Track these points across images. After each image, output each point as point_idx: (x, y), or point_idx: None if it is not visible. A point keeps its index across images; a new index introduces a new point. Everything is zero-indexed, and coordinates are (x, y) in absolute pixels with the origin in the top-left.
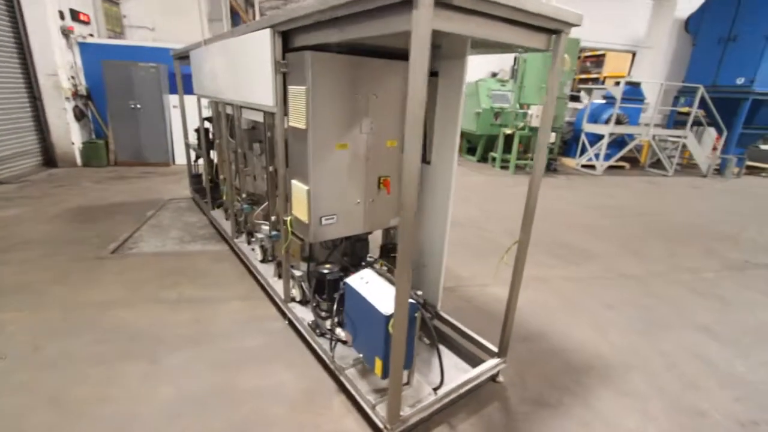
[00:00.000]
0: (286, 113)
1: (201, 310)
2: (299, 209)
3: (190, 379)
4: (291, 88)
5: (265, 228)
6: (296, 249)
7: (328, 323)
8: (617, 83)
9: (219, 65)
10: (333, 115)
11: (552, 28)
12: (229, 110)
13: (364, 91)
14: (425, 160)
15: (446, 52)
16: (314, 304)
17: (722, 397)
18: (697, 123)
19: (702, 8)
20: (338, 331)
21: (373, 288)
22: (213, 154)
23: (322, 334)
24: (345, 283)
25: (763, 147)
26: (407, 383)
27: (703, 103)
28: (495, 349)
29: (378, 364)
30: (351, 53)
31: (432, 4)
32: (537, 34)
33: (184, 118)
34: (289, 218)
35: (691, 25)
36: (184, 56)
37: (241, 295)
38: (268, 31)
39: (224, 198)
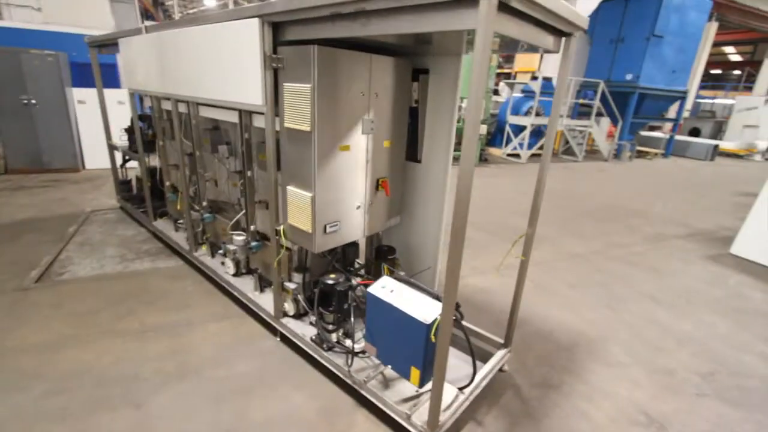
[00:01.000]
0: (277, 113)
1: (174, 338)
2: (299, 218)
3: (190, 420)
4: (288, 86)
5: (239, 239)
6: (283, 259)
7: (334, 336)
8: (534, 78)
9: (173, 57)
10: (336, 116)
11: (567, 31)
12: (182, 108)
13: (365, 89)
14: (416, 158)
15: (438, 48)
16: (318, 317)
17: (682, 355)
18: (597, 114)
19: (596, 12)
20: (349, 342)
21: (401, 296)
22: (152, 158)
23: (330, 348)
24: (368, 294)
25: (644, 133)
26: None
27: (602, 96)
28: (500, 340)
29: (415, 373)
30: (340, 47)
31: (497, 4)
32: (554, 37)
33: (105, 115)
34: (281, 227)
35: (588, 26)
36: (106, 44)
37: (216, 314)
38: (256, 21)
39: (177, 207)
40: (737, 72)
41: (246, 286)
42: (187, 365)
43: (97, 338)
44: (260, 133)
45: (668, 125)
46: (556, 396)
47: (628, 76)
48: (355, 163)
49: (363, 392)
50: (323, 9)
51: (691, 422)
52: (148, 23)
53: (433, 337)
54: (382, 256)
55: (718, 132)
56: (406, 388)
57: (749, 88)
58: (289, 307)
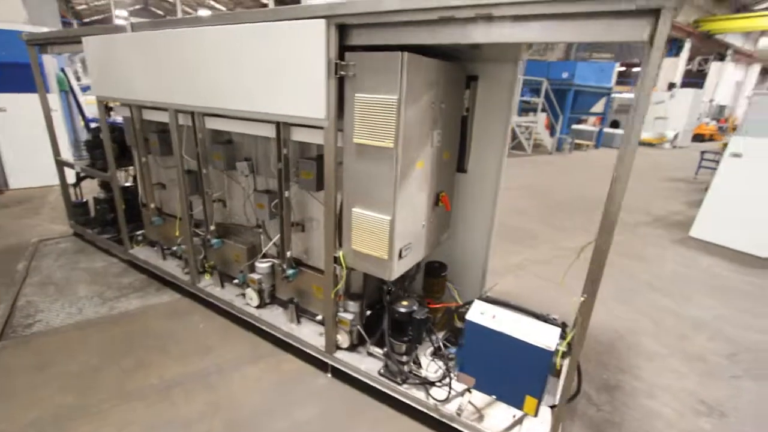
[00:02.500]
0: (340, 127)
1: (210, 390)
2: (370, 243)
3: None
4: (362, 97)
5: (263, 266)
6: (319, 287)
7: (405, 367)
8: None
9: (179, 61)
10: (415, 130)
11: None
12: (176, 119)
13: (435, 98)
14: (463, 168)
15: (490, 54)
16: (390, 348)
17: (701, 340)
18: (534, 110)
19: None
20: (424, 372)
21: (508, 322)
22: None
23: (404, 381)
24: (469, 323)
25: (575, 127)
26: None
27: (544, 93)
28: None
29: (531, 402)
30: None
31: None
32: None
33: (51, 126)
34: (341, 254)
35: None
36: (54, 42)
37: (246, 355)
38: (321, 22)
39: (162, 231)
40: (637, 69)
41: (276, 318)
42: (239, 422)
43: (109, 405)
44: (299, 148)
45: (592, 119)
46: (622, 396)
47: (564, 75)
48: (424, 179)
49: (456, 426)
50: (431, 12)
51: (742, 405)
52: (134, 20)
53: (558, 363)
54: (434, 273)
55: None
56: (498, 414)
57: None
58: (342, 339)
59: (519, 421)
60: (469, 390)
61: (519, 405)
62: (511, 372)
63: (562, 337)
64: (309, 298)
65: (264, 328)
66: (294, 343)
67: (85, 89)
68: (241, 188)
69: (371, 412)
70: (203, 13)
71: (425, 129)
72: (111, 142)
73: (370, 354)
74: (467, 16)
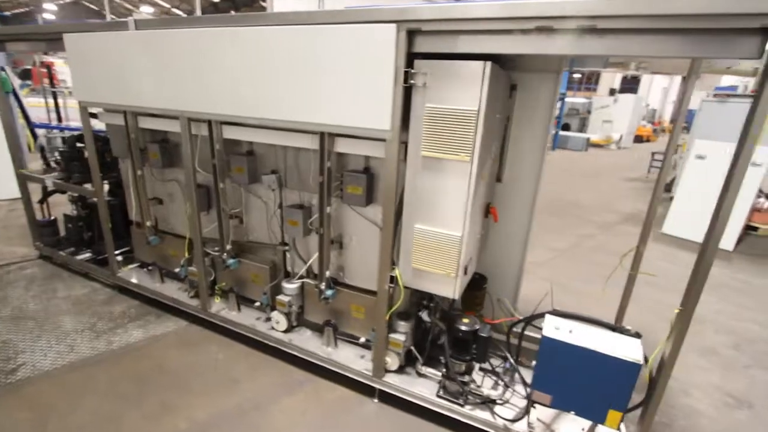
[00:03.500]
0: (404, 140)
1: (251, 430)
2: (434, 261)
3: None
4: (435, 108)
5: (291, 286)
6: (359, 307)
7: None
8: None
9: (198, 64)
10: (486, 142)
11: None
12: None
13: (500, 109)
14: (499, 178)
15: (529, 65)
16: (450, 368)
17: (709, 333)
18: None
19: None
20: (486, 392)
21: (586, 336)
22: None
23: (466, 401)
24: (546, 339)
25: None
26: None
27: None
28: None
29: (614, 416)
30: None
31: None
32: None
33: (13, 135)
34: (397, 272)
35: None
36: (22, 39)
37: (280, 384)
38: (391, 27)
39: (159, 251)
40: (578, 75)
41: (308, 342)
42: None
43: None
44: (336, 160)
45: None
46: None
47: None
48: (482, 191)
49: None
50: (528, 21)
51: (762, 394)
52: (138, 17)
53: (647, 375)
54: (476, 286)
55: (582, 126)
56: (566, 427)
57: (590, 89)
58: (391, 361)
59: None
60: (533, 405)
61: (601, 419)
62: (594, 387)
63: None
64: (346, 320)
65: (295, 353)
66: (333, 369)
67: None
68: (262, 203)
69: None
70: (146, 10)
71: (489, 141)
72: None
73: (420, 374)
74: (567, 27)
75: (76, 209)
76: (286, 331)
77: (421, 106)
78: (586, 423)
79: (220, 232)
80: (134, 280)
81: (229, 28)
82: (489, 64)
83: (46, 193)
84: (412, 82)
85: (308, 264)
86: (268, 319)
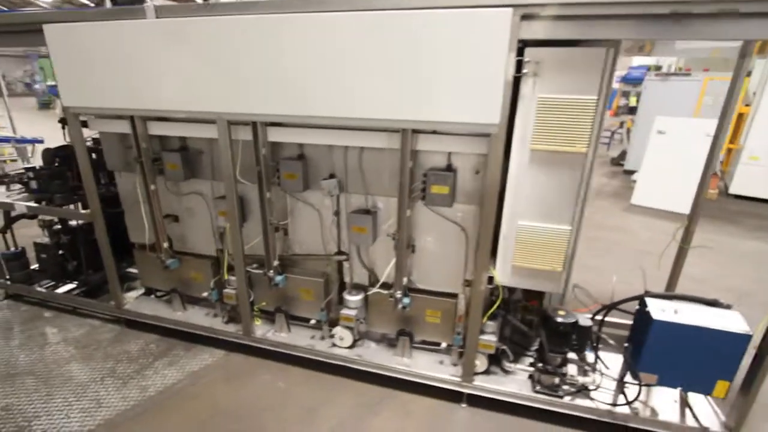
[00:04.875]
0: (509, 133)
1: None
2: (541, 256)
3: None
4: (550, 99)
5: (355, 298)
6: (434, 311)
7: (556, 379)
8: None
9: (245, 57)
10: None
11: None
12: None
13: None
14: None
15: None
16: (547, 362)
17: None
18: None
19: None
20: (580, 379)
21: (691, 314)
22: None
23: (565, 393)
24: (656, 322)
25: None
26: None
27: None
28: None
29: (722, 386)
30: None
31: None
32: None
33: None
34: (494, 272)
35: None
36: None
37: (360, 406)
38: (507, 12)
39: (173, 274)
40: None
41: (377, 355)
42: None
43: None
44: (424, 158)
45: None
46: None
47: None
48: None
49: (634, 425)
50: (662, 6)
51: None
52: (157, 2)
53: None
54: None
55: None
56: (659, 404)
57: None
58: (480, 363)
59: (686, 404)
60: (624, 386)
61: (708, 390)
62: (703, 361)
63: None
64: (420, 326)
65: (369, 369)
66: (415, 380)
67: None
68: (312, 211)
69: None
70: None
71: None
72: (69, 170)
73: (505, 372)
74: (707, 12)
75: (49, 236)
76: (350, 347)
77: (530, 97)
78: (675, 395)
79: (266, 247)
80: (147, 311)
81: (290, 14)
82: (612, 50)
83: (10, 220)
84: (525, 71)
85: (387, 272)
86: (325, 337)
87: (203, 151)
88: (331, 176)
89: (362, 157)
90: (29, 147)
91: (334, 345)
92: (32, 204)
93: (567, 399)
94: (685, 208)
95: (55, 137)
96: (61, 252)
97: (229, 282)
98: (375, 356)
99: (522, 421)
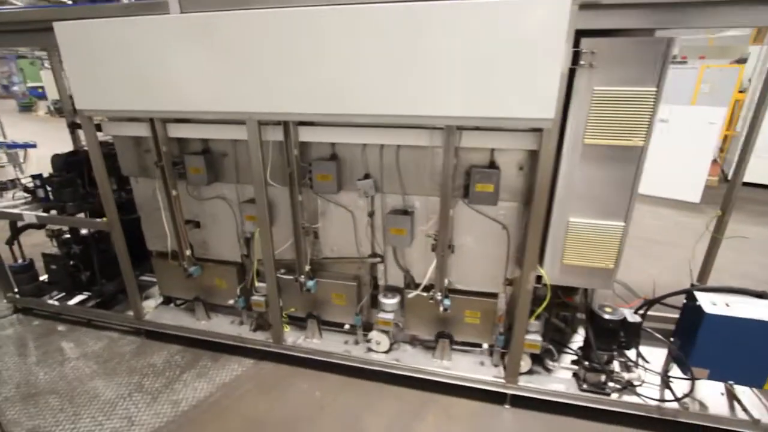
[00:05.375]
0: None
1: None
2: (592, 254)
3: None
4: (602, 90)
5: (392, 302)
6: (474, 312)
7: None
8: None
9: (280, 53)
10: None
11: None
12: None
13: None
14: None
15: None
16: (595, 360)
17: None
18: None
19: None
20: (625, 375)
21: (743, 307)
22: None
23: (616, 390)
24: (709, 316)
25: None
26: None
27: None
28: None
29: None
30: None
31: None
32: None
33: None
34: (543, 271)
35: None
36: None
37: (402, 413)
38: (566, 0)
39: (193, 281)
40: None
41: (416, 359)
42: None
43: None
44: (464, 156)
45: None
46: None
47: None
48: None
49: (683, 419)
50: None
51: None
52: None
53: None
54: None
55: None
56: (706, 396)
57: None
58: (525, 363)
59: (734, 397)
60: (669, 380)
61: (761, 384)
62: (756, 354)
63: None
64: (458, 327)
65: (409, 374)
66: (457, 383)
67: None
68: (345, 213)
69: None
70: None
71: None
72: (79, 177)
73: (547, 370)
74: None
75: (58, 245)
76: (386, 352)
77: (586, 90)
78: (720, 388)
79: (297, 251)
80: (169, 321)
81: (332, 7)
82: (673, 39)
83: (17, 230)
84: (582, 63)
85: (429, 274)
86: (359, 341)
87: (227, 154)
88: (366, 176)
89: (399, 155)
90: (20, 152)
91: (370, 350)
92: (41, 214)
93: (614, 396)
94: (691, 195)
95: (43, 142)
96: (72, 263)
97: (256, 289)
98: (413, 360)
99: (568, 420)
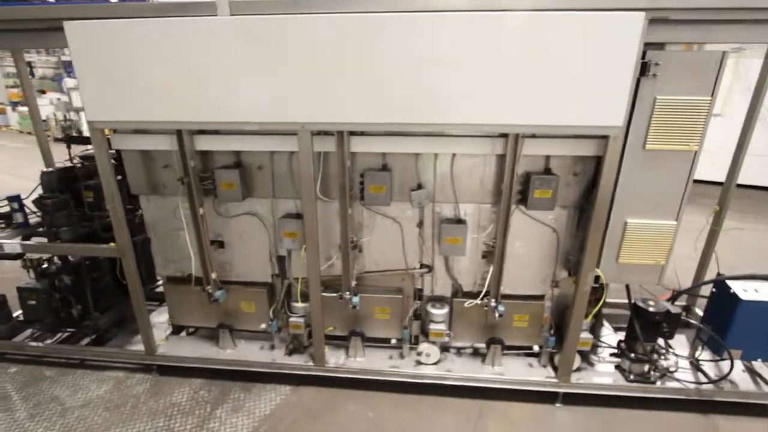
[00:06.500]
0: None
1: None
2: (645, 252)
3: None
4: (667, 100)
5: (440, 312)
6: (522, 315)
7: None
8: None
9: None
10: None
11: None
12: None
13: None
14: None
15: None
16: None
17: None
18: None
19: None
20: (664, 363)
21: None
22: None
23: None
24: (744, 302)
25: None
26: None
27: None
28: None
29: None
30: None
31: None
32: None
33: None
34: (599, 271)
35: None
36: None
37: (461, 423)
38: (639, 15)
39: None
40: None
41: (467, 367)
42: None
43: None
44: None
45: None
46: None
47: None
48: None
49: (721, 399)
50: None
51: None
52: None
53: None
54: None
55: None
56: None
57: None
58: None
59: (755, 373)
60: (699, 364)
61: None
62: None
63: None
64: (507, 332)
65: (464, 384)
66: (511, 387)
67: None
68: (393, 224)
69: (628, 421)
70: None
71: None
72: (72, 196)
73: (591, 364)
74: None
75: (37, 277)
76: (435, 363)
77: (649, 98)
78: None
79: (344, 266)
80: (188, 353)
81: (393, 13)
82: (727, 53)
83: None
84: (650, 73)
85: (488, 281)
86: (404, 355)
87: (262, 166)
88: (419, 186)
89: (453, 164)
90: None
91: (419, 363)
92: (28, 242)
93: (658, 384)
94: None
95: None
96: (57, 296)
97: (293, 309)
98: (464, 368)
99: (618, 411)
